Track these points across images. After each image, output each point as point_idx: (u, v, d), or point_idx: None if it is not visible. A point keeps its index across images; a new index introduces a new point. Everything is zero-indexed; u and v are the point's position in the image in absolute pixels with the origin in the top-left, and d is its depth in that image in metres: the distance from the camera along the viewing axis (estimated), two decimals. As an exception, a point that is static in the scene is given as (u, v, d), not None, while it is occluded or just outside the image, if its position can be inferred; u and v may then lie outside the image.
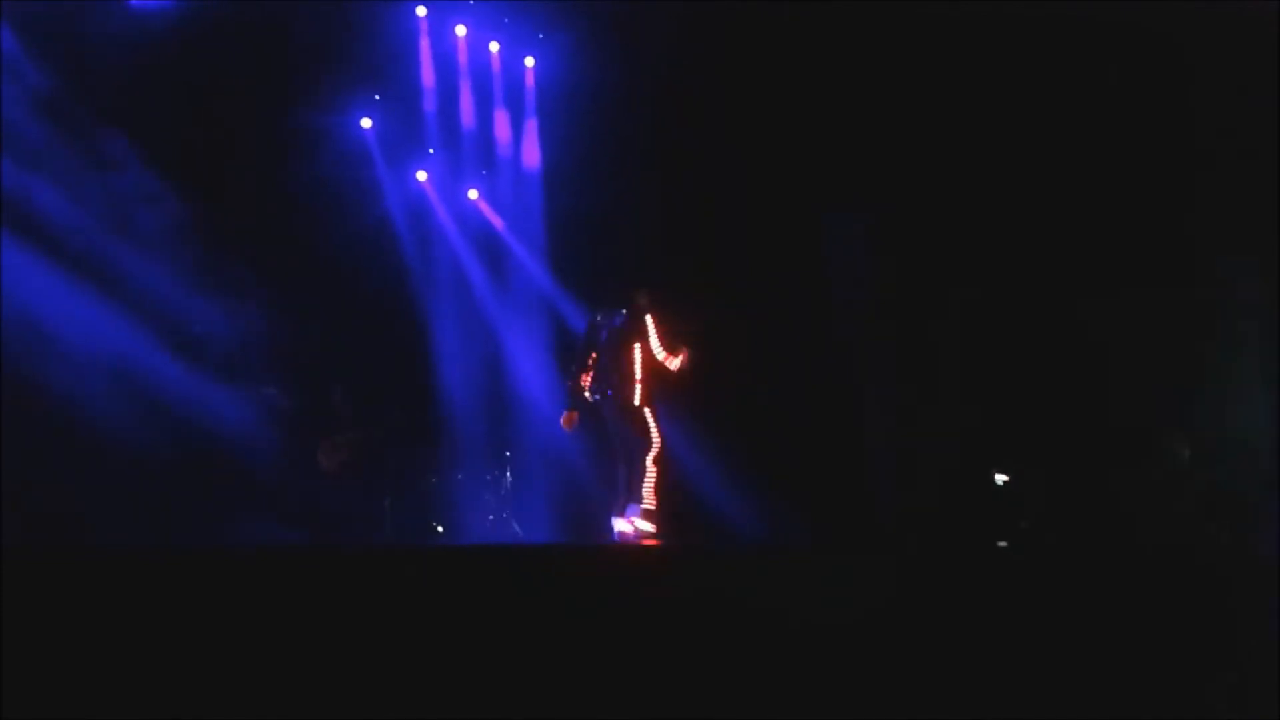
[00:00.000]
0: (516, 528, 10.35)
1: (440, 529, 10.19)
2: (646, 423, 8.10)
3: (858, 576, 5.62)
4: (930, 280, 10.06)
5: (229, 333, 9.61)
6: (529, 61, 11.21)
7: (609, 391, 8.16)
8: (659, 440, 8.10)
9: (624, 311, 8.30)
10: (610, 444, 8.47)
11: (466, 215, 11.39)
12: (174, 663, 4.21)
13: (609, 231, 10.56)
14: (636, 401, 8.09)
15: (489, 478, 10.60)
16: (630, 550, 7.25)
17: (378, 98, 10.86)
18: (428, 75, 10.98)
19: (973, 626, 5.43)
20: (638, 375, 8.10)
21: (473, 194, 11.42)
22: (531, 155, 11.29)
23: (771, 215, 10.41)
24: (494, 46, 11.14)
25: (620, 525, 8.09)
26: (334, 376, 10.33)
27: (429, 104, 10.98)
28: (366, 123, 10.83)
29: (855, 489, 10.04)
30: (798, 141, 10.15)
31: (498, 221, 11.39)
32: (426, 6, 10.72)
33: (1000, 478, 10.16)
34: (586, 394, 8.31)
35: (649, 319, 8.20)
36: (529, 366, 11.12)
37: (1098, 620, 5.43)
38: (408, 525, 9.94)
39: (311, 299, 10.18)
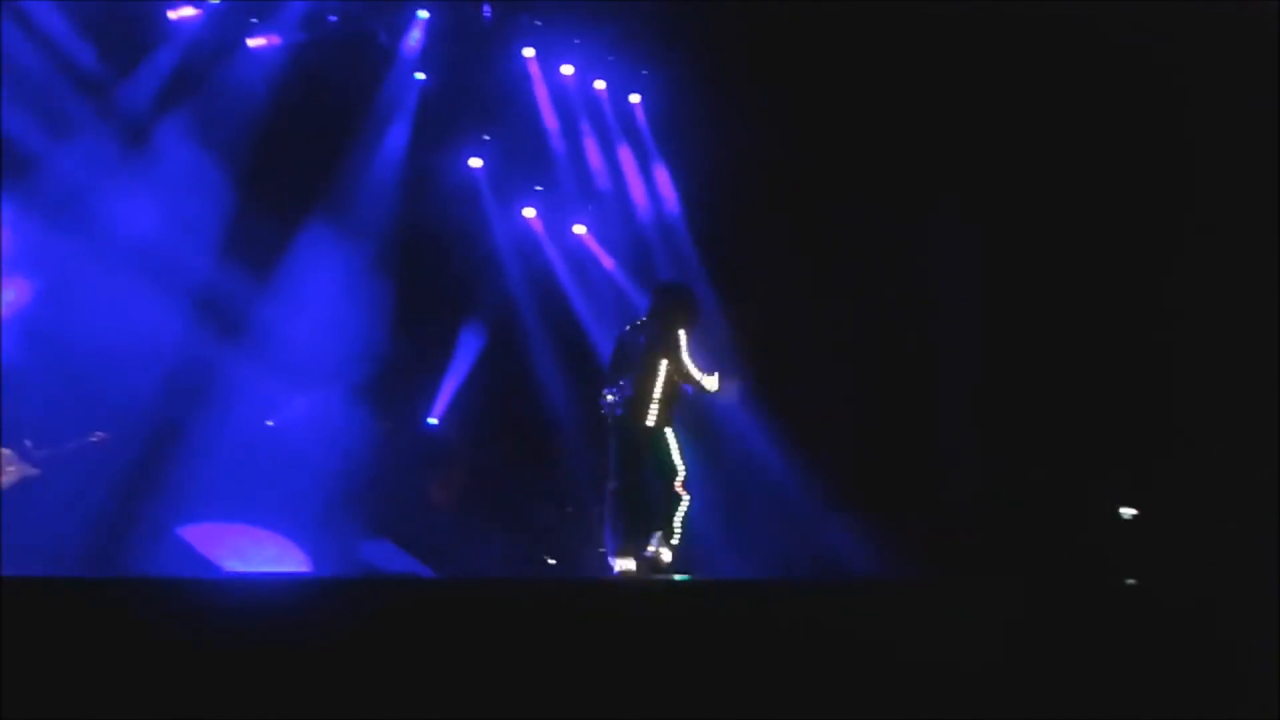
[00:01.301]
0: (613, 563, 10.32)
1: (552, 561, 10.24)
2: (666, 447, 7.10)
3: (965, 610, 5.46)
4: (1036, 295, 9.83)
5: (349, 370, 9.88)
6: (634, 98, 11.38)
7: (619, 410, 7.18)
8: (682, 467, 7.14)
9: (648, 321, 7.33)
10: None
11: (574, 250, 11.56)
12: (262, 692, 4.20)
13: (716, 257, 10.61)
14: (650, 422, 7.06)
15: (598, 510, 10.63)
16: (728, 585, 7.12)
17: (486, 138, 11.11)
18: (537, 115, 11.17)
19: (1091, 668, 5.22)
20: (656, 393, 7.07)
21: (579, 229, 11.58)
22: (638, 188, 11.41)
23: (876, 230, 10.33)
24: (600, 85, 11.31)
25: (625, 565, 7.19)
26: (446, 410, 10.54)
27: (537, 142, 11.19)
28: (476, 162, 11.10)
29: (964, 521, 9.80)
30: (902, 151, 10.04)
31: (604, 255, 11.52)
32: (534, 47, 10.93)
33: (1128, 512, 9.80)
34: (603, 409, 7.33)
35: (681, 332, 7.16)
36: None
37: (1221, 659, 5.18)
38: (519, 557, 10.03)
39: (425, 334, 10.43)
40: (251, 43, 9.93)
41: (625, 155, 11.40)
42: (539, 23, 10.69)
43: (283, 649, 4.18)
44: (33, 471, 8.29)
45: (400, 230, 10.31)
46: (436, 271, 10.67)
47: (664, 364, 7.08)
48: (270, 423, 9.56)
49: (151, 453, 8.90)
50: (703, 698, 4.75)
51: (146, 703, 3.83)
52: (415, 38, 10.39)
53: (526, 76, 10.97)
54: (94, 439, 8.43)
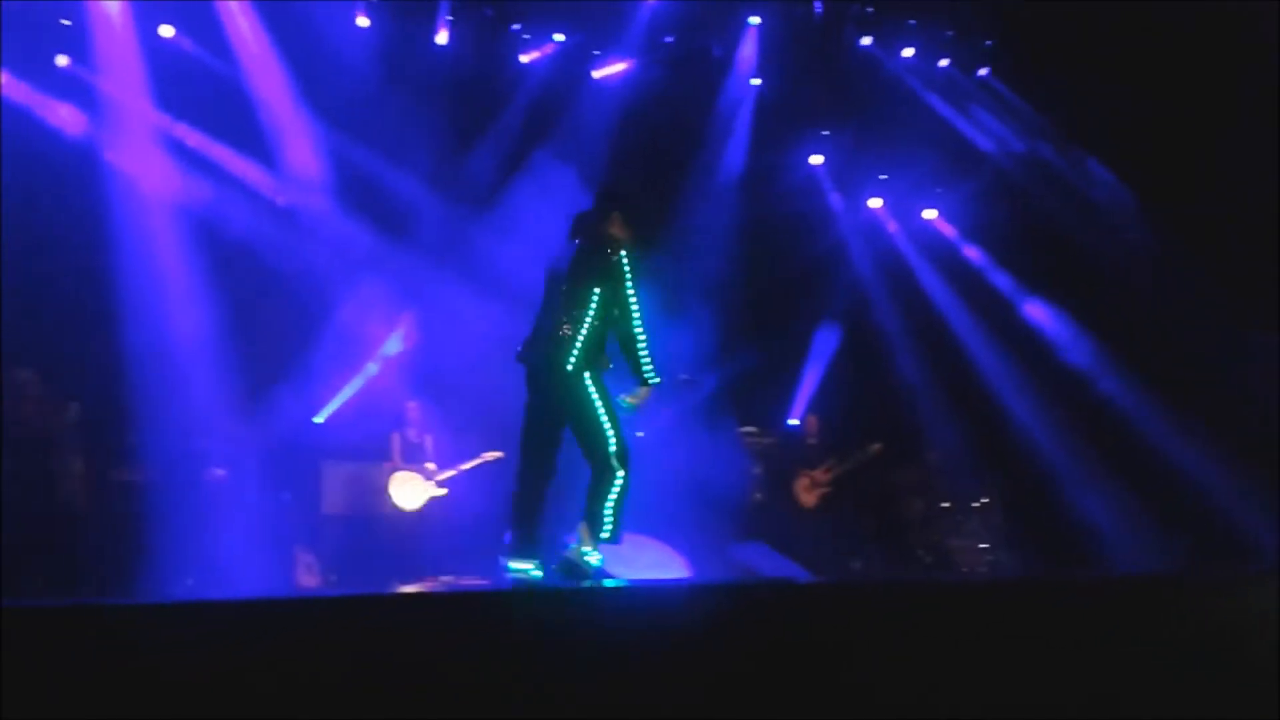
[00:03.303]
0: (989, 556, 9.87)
1: (928, 558, 9.96)
2: (587, 399, 5.34)
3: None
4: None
5: (708, 377, 10.08)
6: (981, 72, 10.93)
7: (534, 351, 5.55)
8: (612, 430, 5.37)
9: (580, 240, 5.58)
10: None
11: (924, 235, 11.30)
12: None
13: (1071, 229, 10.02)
14: (569, 366, 5.34)
15: (977, 505, 10.21)
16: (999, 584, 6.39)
17: (826, 133, 11.04)
18: (879, 102, 10.95)
19: None
20: (581, 331, 5.37)
21: (930, 213, 11.28)
22: (986, 164, 10.96)
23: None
24: (943, 63, 10.94)
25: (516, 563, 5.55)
26: (806, 411, 10.54)
27: (879, 131, 10.98)
28: (817, 159, 11.06)
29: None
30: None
31: (956, 236, 11.18)
32: (870, 35, 10.73)
33: None
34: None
35: (623, 256, 5.40)
36: (1009, 387, 10.72)
37: None
38: (892, 555, 9.84)
39: (781, 335, 10.51)
40: (597, 74, 10.41)
41: (974, 131, 10.99)
42: (871, 10, 10.49)
43: (670, 653, 4.29)
44: (439, 492, 9.07)
45: (748, 235, 10.46)
46: (787, 273, 10.74)
47: (596, 294, 5.40)
48: (640, 434, 9.91)
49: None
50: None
51: (545, 707, 4.03)
52: (750, 46, 10.53)
53: (865, 65, 10.80)
54: (489, 458, 9.08)
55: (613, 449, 5.39)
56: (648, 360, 5.49)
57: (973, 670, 4.55)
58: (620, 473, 5.41)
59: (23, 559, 7.34)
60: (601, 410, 5.40)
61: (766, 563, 8.92)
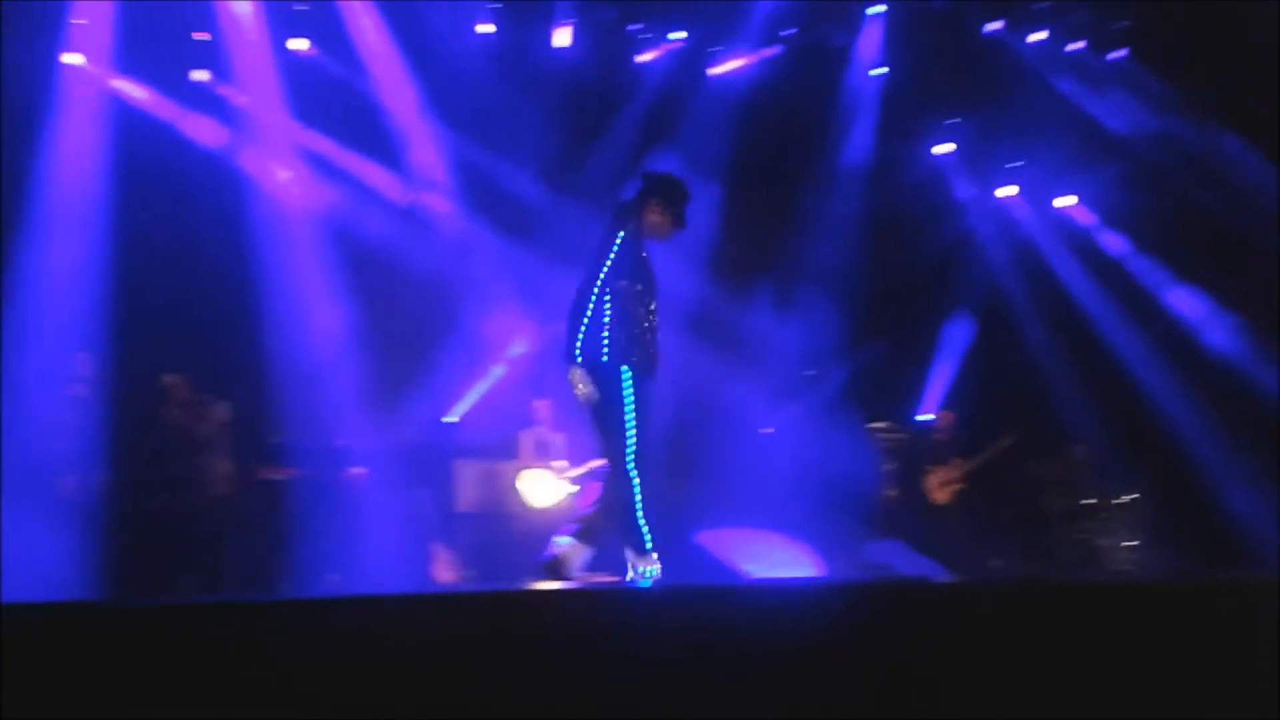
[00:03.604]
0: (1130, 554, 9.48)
1: (1071, 556, 9.64)
2: (618, 394, 5.20)
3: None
4: None
5: (837, 372, 9.96)
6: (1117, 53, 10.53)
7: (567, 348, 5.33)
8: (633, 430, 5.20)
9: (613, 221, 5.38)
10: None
11: (1061, 222, 11.02)
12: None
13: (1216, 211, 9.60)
14: (604, 358, 5.22)
15: (1123, 501, 9.85)
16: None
17: (957, 120, 10.79)
18: (1008, 89, 10.67)
19: None
20: (606, 319, 5.23)
21: (1067, 200, 10.93)
22: (1121, 152, 10.57)
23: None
24: (1076, 45, 10.57)
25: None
26: (940, 405, 10.32)
27: (1011, 117, 10.68)
28: (946, 147, 10.85)
29: None
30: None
31: (1095, 223, 10.81)
32: (1000, 20, 10.44)
33: None
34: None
35: (620, 232, 5.29)
36: (1154, 377, 10.34)
37: None
38: (1033, 553, 9.56)
39: (911, 328, 10.32)
40: (714, 71, 10.34)
41: (1110, 114, 10.60)
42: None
43: (804, 653, 4.22)
44: (572, 489, 9.16)
45: (876, 227, 10.29)
46: (916, 265, 10.54)
47: (621, 281, 5.25)
48: (769, 429, 9.85)
49: (670, 464, 9.45)
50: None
51: (678, 704, 4.00)
52: (871, 37, 10.34)
53: (993, 51, 10.50)
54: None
55: (631, 450, 5.21)
56: (578, 338, 5.24)
57: (1118, 672, 4.38)
58: (635, 477, 5.22)
59: (175, 557, 7.65)
60: (630, 407, 5.22)
61: (902, 561, 8.76)
